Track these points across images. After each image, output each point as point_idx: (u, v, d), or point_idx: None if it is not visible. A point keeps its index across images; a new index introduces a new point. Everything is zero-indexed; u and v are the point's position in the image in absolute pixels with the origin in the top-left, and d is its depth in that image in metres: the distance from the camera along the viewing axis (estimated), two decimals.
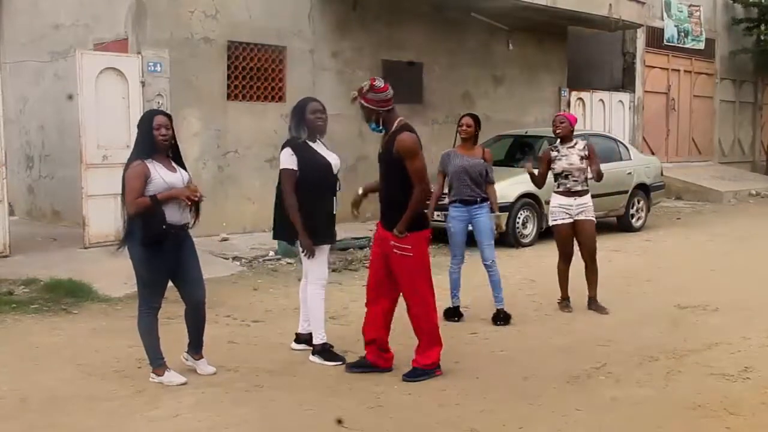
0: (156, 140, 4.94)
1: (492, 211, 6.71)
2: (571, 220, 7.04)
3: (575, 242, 7.18)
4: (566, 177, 7.00)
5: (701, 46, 20.30)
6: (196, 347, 5.25)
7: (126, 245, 4.98)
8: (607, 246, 10.84)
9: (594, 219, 7.17)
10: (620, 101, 18.02)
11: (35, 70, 11.82)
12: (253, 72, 11.17)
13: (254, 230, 10.68)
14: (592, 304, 7.18)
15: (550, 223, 7.22)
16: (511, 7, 13.65)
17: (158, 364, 5.04)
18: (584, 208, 7.07)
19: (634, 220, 12.35)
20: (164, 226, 4.83)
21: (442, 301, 7.27)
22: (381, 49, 12.85)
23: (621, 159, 12.36)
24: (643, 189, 12.49)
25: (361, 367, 5.32)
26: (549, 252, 10.12)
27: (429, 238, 5.25)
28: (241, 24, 10.95)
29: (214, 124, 10.68)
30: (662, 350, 5.83)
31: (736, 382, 5.16)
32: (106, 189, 9.48)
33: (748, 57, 21.45)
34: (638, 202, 12.41)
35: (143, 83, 9.85)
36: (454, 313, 6.75)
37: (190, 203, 4.93)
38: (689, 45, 19.98)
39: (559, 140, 7.12)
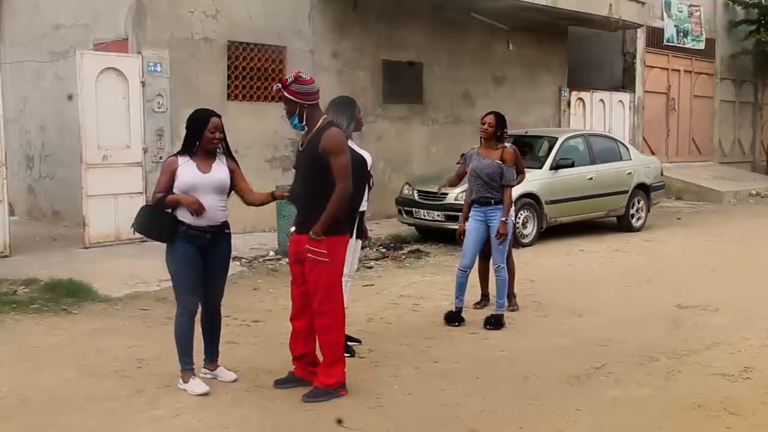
0: (208, 142, 4.87)
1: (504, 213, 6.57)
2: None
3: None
4: None
5: (701, 46, 20.31)
6: (210, 355, 5.18)
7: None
8: (607, 246, 10.87)
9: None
10: (620, 101, 18.03)
11: (35, 70, 11.82)
12: (253, 72, 11.17)
13: (254, 230, 10.69)
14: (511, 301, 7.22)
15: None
16: (511, 7, 13.65)
17: (186, 369, 4.96)
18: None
19: (634, 220, 12.35)
20: (183, 227, 4.81)
21: (447, 302, 7.29)
22: (381, 49, 12.86)
23: (621, 159, 12.36)
24: (644, 189, 12.49)
25: (289, 382, 5.00)
26: (549, 252, 10.16)
27: (347, 244, 4.94)
28: (241, 24, 10.95)
29: None
30: (662, 350, 5.83)
31: (736, 382, 5.16)
32: (106, 189, 9.51)
33: (748, 58, 21.46)
34: (638, 202, 12.40)
35: (143, 83, 9.85)
36: (455, 318, 6.56)
37: (195, 214, 4.83)
38: (689, 45, 19.98)
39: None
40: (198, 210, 4.80)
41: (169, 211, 4.89)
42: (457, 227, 6.99)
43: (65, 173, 10.99)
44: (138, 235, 5.24)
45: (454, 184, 7.11)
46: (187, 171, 4.84)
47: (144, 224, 4.96)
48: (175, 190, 4.84)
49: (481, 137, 6.63)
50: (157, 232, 4.94)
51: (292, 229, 5.04)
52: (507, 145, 6.69)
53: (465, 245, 6.61)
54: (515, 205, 10.50)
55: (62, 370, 5.36)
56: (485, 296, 7.23)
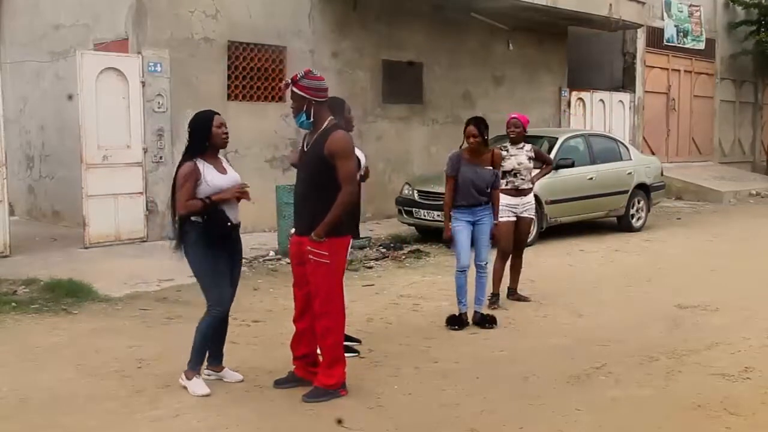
0: (220, 139, 4.87)
1: (494, 216, 6.63)
2: (515, 218, 7.31)
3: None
4: (515, 175, 7.31)
5: (701, 46, 20.31)
6: (217, 358, 5.17)
7: (182, 249, 4.85)
8: (607, 246, 10.88)
9: (533, 217, 7.72)
10: (620, 101, 18.03)
11: (35, 70, 11.82)
12: (253, 72, 11.18)
13: (254, 230, 10.69)
14: (514, 294, 7.51)
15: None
16: (511, 7, 13.65)
17: (195, 368, 4.93)
18: (528, 207, 7.45)
19: (634, 220, 12.35)
20: (229, 224, 4.78)
21: (447, 302, 7.29)
22: (381, 49, 12.86)
23: (621, 159, 12.35)
24: (644, 189, 12.49)
25: (289, 382, 5.00)
26: (549, 252, 10.16)
27: (348, 246, 4.93)
28: (241, 24, 10.95)
29: None
30: (662, 350, 5.83)
31: (736, 382, 5.16)
32: (106, 189, 9.51)
33: (748, 58, 21.46)
34: (638, 202, 12.40)
35: (143, 83, 9.85)
36: (457, 321, 6.51)
37: (238, 200, 4.86)
38: (689, 45, 19.99)
39: (509, 142, 7.49)
40: (240, 193, 4.83)
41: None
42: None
43: (65, 173, 10.99)
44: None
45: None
46: (214, 174, 4.81)
47: (219, 235, 4.78)
48: (201, 195, 4.75)
49: (470, 148, 6.55)
50: (221, 234, 4.78)
51: (293, 230, 5.05)
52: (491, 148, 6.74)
53: (460, 246, 6.54)
54: None
55: (62, 370, 5.36)
56: (496, 295, 7.26)
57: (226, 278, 4.91)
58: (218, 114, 4.93)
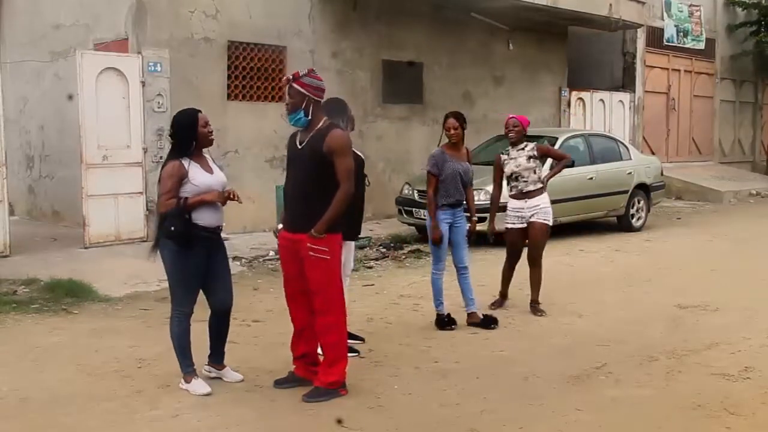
0: (206, 138, 4.88)
1: (469, 214, 6.62)
2: (523, 225, 7.07)
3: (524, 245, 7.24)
4: (516, 179, 7.08)
5: (701, 46, 20.31)
6: (218, 357, 5.17)
7: (158, 247, 4.86)
8: (607, 246, 10.87)
9: (546, 222, 7.11)
10: (620, 101, 18.03)
11: (35, 70, 11.82)
12: (253, 72, 11.18)
13: (254, 230, 10.69)
14: (535, 307, 7.09)
15: (504, 226, 7.16)
16: (511, 7, 13.65)
17: (187, 371, 4.94)
18: (537, 210, 7.06)
19: (634, 220, 12.35)
20: (190, 227, 4.73)
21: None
22: (381, 49, 12.86)
23: (621, 159, 12.36)
24: (644, 189, 12.49)
25: (289, 382, 5.01)
26: (549, 252, 10.10)
27: (341, 242, 4.91)
28: (241, 24, 10.95)
29: (214, 124, 10.39)
30: (662, 350, 5.83)
31: (736, 382, 5.16)
32: (106, 189, 9.51)
33: (748, 58, 21.47)
34: (638, 202, 12.40)
35: (143, 83, 9.85)
36: (448, 322, 6.51)
37: (223, 204, 4.86)
38: (689, 45, 19.99)
39: (509, 144, 7.27)
40: (224, 200, 4.82)
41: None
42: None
43: (65, 173, 10.99)
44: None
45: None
46: (199, 173, 4.81)
47: (176, 231, 4.74)
48: (186, 194, 4.75)
49: (451, 141, 6.59)
50: (180, 238, 4.74)
51: (280, 226, 5.04)
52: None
53: (440, 251, 6.49)
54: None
55: (62, 370, 5.36)
56: (504, 296, 7.26)
57: (192, 283, 4.87)
58: (201, 112, 4.93)
